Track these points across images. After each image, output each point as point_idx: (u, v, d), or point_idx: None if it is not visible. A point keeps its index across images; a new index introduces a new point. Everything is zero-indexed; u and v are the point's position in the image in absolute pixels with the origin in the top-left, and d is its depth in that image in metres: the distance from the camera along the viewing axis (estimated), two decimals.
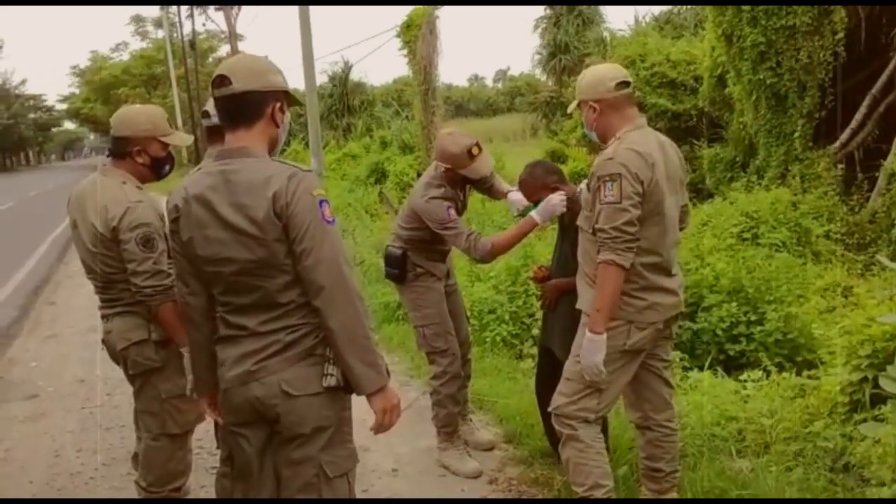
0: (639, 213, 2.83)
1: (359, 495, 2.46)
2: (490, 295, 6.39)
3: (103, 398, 5.54)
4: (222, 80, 2.24)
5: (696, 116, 14.06)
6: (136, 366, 3.24)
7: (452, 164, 3.83)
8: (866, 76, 10.13)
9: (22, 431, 5.04)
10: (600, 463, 3.06)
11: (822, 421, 3.56)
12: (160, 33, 47.51)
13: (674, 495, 3.32)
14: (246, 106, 2.25)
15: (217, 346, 2.36)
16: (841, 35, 9.66)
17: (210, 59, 47.49)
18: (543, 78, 35.96)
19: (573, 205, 3.41)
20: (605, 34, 25.26)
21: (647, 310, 2.94)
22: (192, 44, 37.17)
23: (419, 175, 4.47)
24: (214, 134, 3.09)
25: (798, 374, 4.57)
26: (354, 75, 29.67)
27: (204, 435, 4.14)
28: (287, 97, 2.36)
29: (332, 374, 2.25)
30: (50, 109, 77.66)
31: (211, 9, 42.18)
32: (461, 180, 3.95)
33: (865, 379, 3.44)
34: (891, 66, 9.67)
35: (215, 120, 3.02)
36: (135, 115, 3.22)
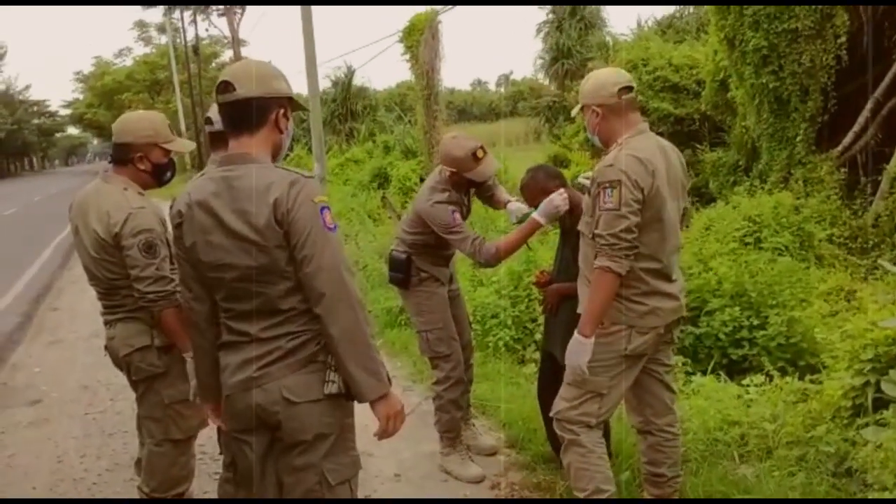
0: (638, 220, 2.83)
1: None
2: (493, 299, 6.39)
3: (106, 404, 5.55)
4: (226, 87, 2.24)
5: (699, 120, 14.04)
6: (140, 372, 3.25)
7: (457, 167, 3.84)
8: (869, 80, 10.12)
9: (25, 437, 5.04)
10: (602, 468, 3.06)
11: (824, 426, 3.55)
12: (163, 39, 47.60)
13: None
14: (250, 112, 2.25)
15: (220, 352, 2.36)
16: (843, 39, 9.66)
17: (213, 65, 47.59)
18: (546, 82, 36.02)
19: (575, 209, 3.41)
20: (608, 38, 25.29)
21: (648, 315, 2.94)
22: (196, 49, 37.26)
23: (422, 180, 4.46)
24: (217, 140, 3.10)
25: (801, 378, 4.56)
26: (357, 80, 29.77)
27: (207, 440, 4.15)
28: (291, 103, 2.35)
29: (333, 381, 2.24)
30: (53, 115, 77.94)
31: (214, 14, 42.30)
32: (466, 184, 3.96)
33: (868, 383, 3.44)
34: (893, 70, 9.67)
35: (218, 126, 3.03)
36: (136, 122, 3.23)
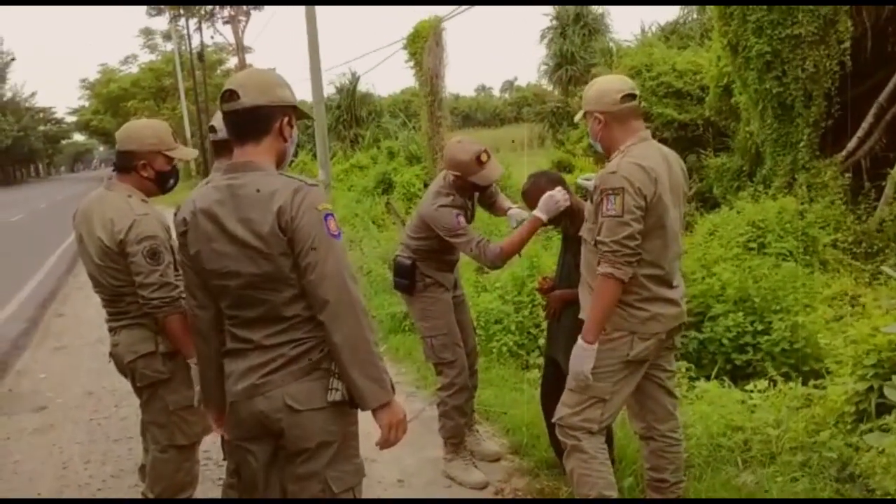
0: (640, 227, 2.84)
1: None
2: (496, 305, 6.40)
3: (111, 410, 5.56)
4: (231, 95, 2.25)
5: (703, 126, 14.05)
6: (144, 378, 3.26)
7: (462, 171, 3.84)
8: (872, 85, 10.12)
9: (31, 443, 5.06)
10: (604, 473, 3.05)
11: (827, 431, 3.55)
12: (169, 46, 47.80)
13: None
14: (254, 120, 2.26)
15: (224, 359, 2.36)
16: (847, 44, 9.65)
17: (218, 72, 47.79)
18: (550, 88, 36.08)
19: (577, 215, 3.42)
20: (611, 44, 25.32)
21: (650, 320, 2.95)
22: (201, 56, 37.41)
23: (426, 185, 4.49)
24: (221, 148, 3.12)
25: (804, 383, 4.55)
26: (362, 86, 29.82)
27: (211, 446, 4.16)
28: (295, 111, 2.36)
29: (337, 389, 2.24)
30: (59, 122, 78.23)
31: (219, 22, 42.49)
32: (470, 188, 3.96)
33: (871, 388, 3.44)
34: None
35: (222, 135, 3.05)
36: (140, 130, 3.25)
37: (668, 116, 14.12)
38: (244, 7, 40.20)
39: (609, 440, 3.43)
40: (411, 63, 16.84)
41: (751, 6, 10.10)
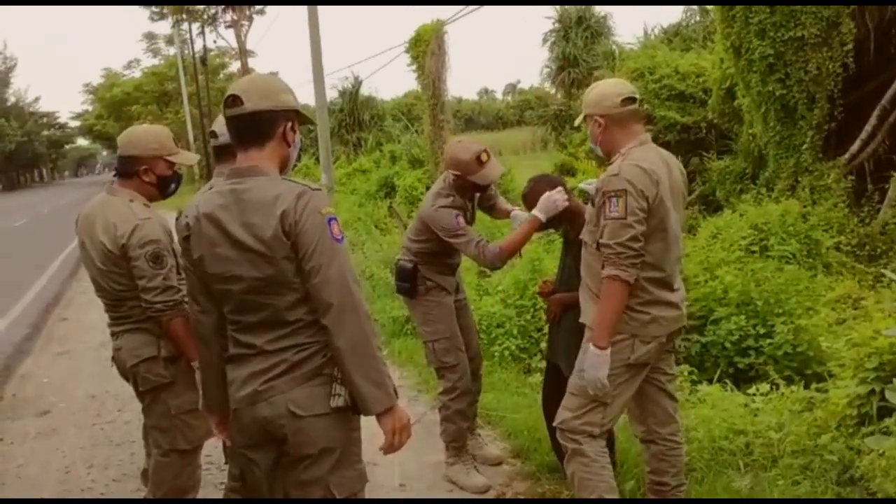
0: (643, 228, 2.85)
1: None
2: (498, 309, 6.39)
3: (114, 414, 5.58)
4: (234, 101, 2.26)
5: (706, 129, 14.01)
6: (146, 382, 3.27)
7: (462, 170, 3.85)
8: (876, 87, 10.10)
9: (33, 447, 5.07)
10: (605, 477, 3.05)
11: (829, 434, 3.54)
12: (172, 50, 47.87)
13: None
14: (258, 126, 2.27)
15: (227, 365, 2.36)
16: (850, 46, 9.63)
17: (221, 76, 47.83)
18: (553, 91, 36.05)
19: (577, 218, 3.42)
20: (614, 47, 25.31)
21: (651, 324, 2.95)
22: (204, 60, 37.50)
23: (428, 189, 4.51)
24: (222, 153, 3.14)
25: (807, 387, 4.54)
26: (364, 90, 29.84)
27: (213, 451, 4.17)
28: (298, 116, 2.37)
29: (339, 395, 2.23)
30: (63, 126, 78.40)
31: (222, 26, 42.58)
32: (470, 188, 3.97)
33: (873, 392, 3.43)
34: None
35: (223, 140, 3.07)
36: (142, 135, 3.27)
37: (671, 119, 14.09)
38: (247, 11, 40.30)
39: (610, 444, 3.43)
40: (413, 67, 16.86)
41: (753, 9, 10.09)
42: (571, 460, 3.09)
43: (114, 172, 3.40)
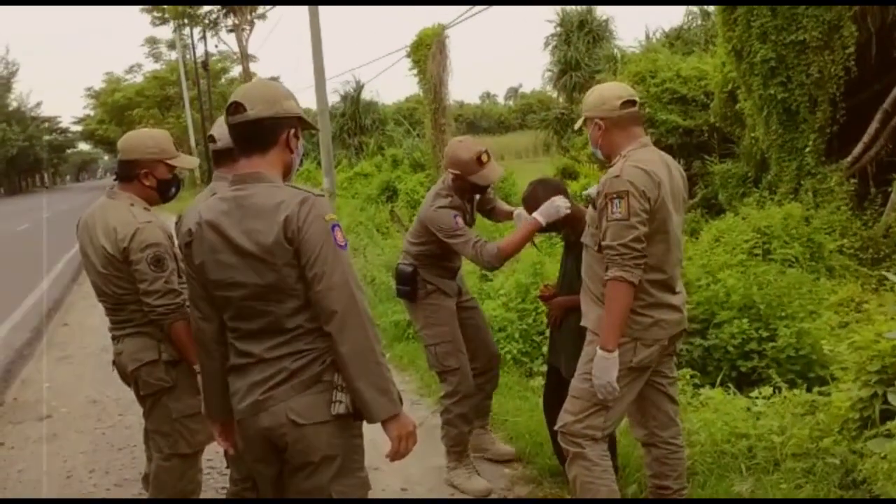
0: (646, 229, 2.84)
1: None
2: (500, 312, 6.39)
3: (115, 419, 5.57)
4: (237, 107, 2.26)
5: (708, 132, 14.02)
6: (147, 386, 3.26)
7: (462, 170, 3.85)
8: (878, 90, 10.10)
9: (35, 452, 5.07)
10: (607, 481, 3.04)
11: (831, 437, 3.53)
12: (173, 55, 47.97)
13: None
14: (261, 132, 2.26)
15: (229, 376, 2.36)
16: (851, 49, 9.64)
17: (223, 80, 47.94)
18: (554, 95, 36.09)
19: (578, 222, 3.41)
20: (616, 51, 25.32)
21: (653, 327, 2.94)
22: (205, 65, 37.59)
23: None
24: (221, 157, 3.14)
25: (810, 390, 4.53)
26: (366, 94, 29.92)
27: (214, 455, 4.16)
28: (301, 122, 2.36)
29: (340, 402, 2.22)
30: (65, 131, 78.58)
31: (223, 30, 42.65)
32: (469, 189, 3.97)
33: (875, 395, 3.42)
34: None
35: (221, 144, 3.08)
36: (142, 139, 3.28)
37: (673, 122, 14.10)
38: (248, 16, 40.37)
39: (612, 447, 3.42)
40: (415, 71, 16.89)
41: (755, 13, 10.10)
42: (573, 464, 3.08)
43: (114, 177, 3.41)
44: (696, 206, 12.40)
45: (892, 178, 9.36)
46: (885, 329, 3.57)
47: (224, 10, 40.09)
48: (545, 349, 5.77)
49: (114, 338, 3.35)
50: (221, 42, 44.10)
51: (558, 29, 31.68)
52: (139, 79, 53.43)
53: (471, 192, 4.01)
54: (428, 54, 15.94)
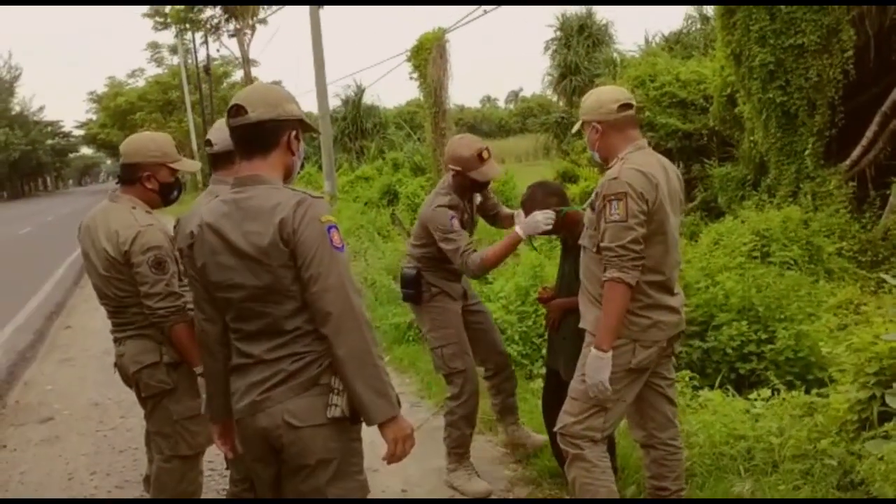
0: (644, 231, 2.86)
1: None
2: (500, 315, 6.39)
3: (117, 421, 5.59)
4: (238, 110, 2.27)
5: (707, 135, 14.03)
6: (148, 388, 3.28)
7: (463, 166, 3.89)
8: (876, 94, 10.12)
9: (37, 454, 5.09)
10: (606, 482, 3.06)
11: (829, 439, 3.55)
12: (175, 59, 48.01)
13: None
14: (262, 135, 2.27)
15: (230, 376, 2.37)
16: (849, 53, 9.66)
17: (224, 84, 47.97)
18: (555, 99, 36.16)
19: (576, 226, 3.43)
20: (615, 55, 25.38)
21: (652, 328, 2.96)
22: (207, 69, 37.65)
23: None
24: (219, 160, 3.18)
25: (808, 392, 4.54)
26: (367, 98, 29.97)
27: (215, 457, 4.18)
28: (302, 125, 2.37)
29: (336, 405, 2.21)
30: (67, 135, 78.66)
31: (225, 35, 42.65)
32: (469, 186, 4.00)
33: (874, 396, 3.43)
34: None
35: (217, 148, 3.12)
36: (145, 143, 3.30)
37: (673, 126, 14.12)
38: (249, 21, 40.36)
39: (611, 449, 3.44)
40: (416, 75, 16.91)
41: (753, 17, 10.12)
42: (572, 465, 3.09)
43: (117, 180, 3.43)
44: (695, 209, 12.42)
45: (890, 180, 9.37)
46: (883, 331, 3.59)
47: (226, 15, 40.07)
48: (545, 351, 5.79)
49: (115, 340, 3.37)
50: (223, 46, 44.05)
51: (558, 33, 31.79)
52: (141, 83, 53.49)
53: (470, 190, 4.04)
54: (428, 58, 15.97)
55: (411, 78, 17.13)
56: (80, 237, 3.34)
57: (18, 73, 68.87)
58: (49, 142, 74.17)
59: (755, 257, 7.96)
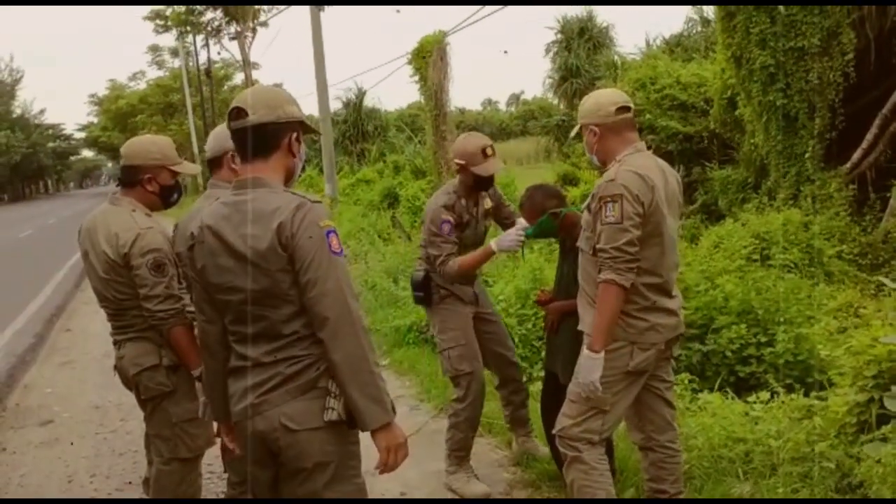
0: (639, 233, 2.87)
1: None
2: None
3: (117, 424, 5.60)
4: (239, 113, 2.27)
5: (707, 138, 14.02)
6: (148, 391, 3.29)
7: (467, 160, 3.95)
8: (877, 96, 10.11)
9: (37, 457, 5.09)
10: (605, 485, 3.06)
11: (828, 442, 3.54)
12: (176, 62, 48.08)
13: None
14: (263, 137, 2.27)
15: (228, 378, 2.37)
16: (850, 56, 9.66)
17: (225, 87, 48.01)
18: (555, 101, 36.19)
19: (573, 228, 3.44)
20: (616, 58, 25.39)
21: (649, 331, 2.96)
22: (208, 72, 37.70)
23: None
24: (215, 165, 3.20)
25: (808, 395, 4.54)
26: (368, 101, 30.00)
27: (214, 459, 4.18)
28: (303, 127, 2.37)
29: (333, 409, 2.21)
30: (68, 138, 78.86)
31: (225, 38, 42.71)
32: (473, 184, 4.03)
33: (872, 399, 3.43)
34: None
35: (208, 154, 3.17)
36: (145, 145, 3.31)
37: (673, 129, 14.11)
38: (250, 23, 40.40)
39: (609, 451, 3.44)
40: (416, 78, 16.93)
41: (754, 19, 10.12)
42: (571, 468, 3.10)
43: (117, 183, 3.44)
44: (695, 211, 12.41)
45: (890, 183, 9.37)
46: (882, 334, 3.59)
47: (227, 18, 40.12)
48: (545, 354, 5.80)
49: (115, 343, 3.38)
50: (224, 49, 44.12)
51: (559, 36, 31.83)
52: (142, 86, 53.58)
53: (475, 189, 4.07)
54: (429, 61, 15.98)
55: (412, 81, 17.15)
56: (80, 240, 3.35)
57: (20, 76, 69.11)
58: (50, 144, 74.32)
59: (755, 260, 7.95)
